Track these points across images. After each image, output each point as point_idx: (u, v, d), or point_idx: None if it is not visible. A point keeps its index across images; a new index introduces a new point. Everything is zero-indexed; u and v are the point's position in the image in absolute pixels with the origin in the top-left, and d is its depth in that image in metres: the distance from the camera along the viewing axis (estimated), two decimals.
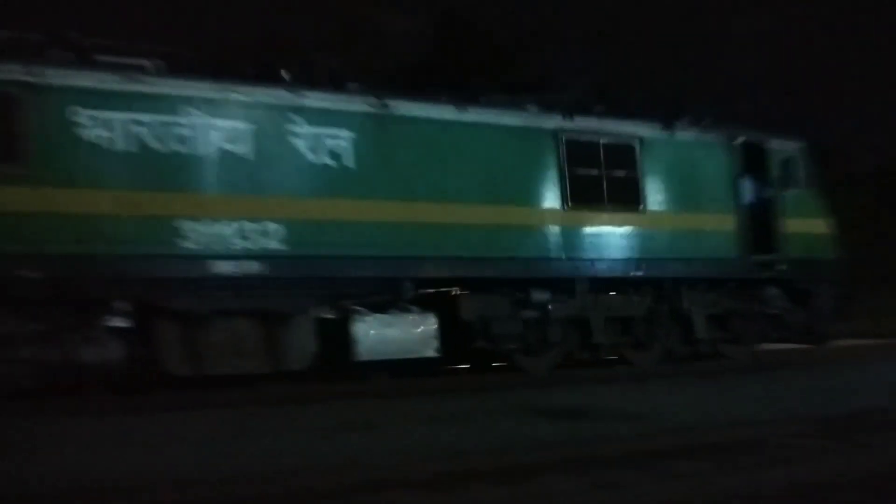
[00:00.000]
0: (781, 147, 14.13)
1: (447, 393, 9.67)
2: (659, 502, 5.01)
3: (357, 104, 10.84)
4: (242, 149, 10.05)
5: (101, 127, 9.35)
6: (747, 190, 13.66)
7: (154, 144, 9.61)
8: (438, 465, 5.81)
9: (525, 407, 8.45)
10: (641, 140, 12.92)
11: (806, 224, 14.09)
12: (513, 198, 11.87)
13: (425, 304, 11.17)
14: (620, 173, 12.68)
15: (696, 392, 10.27)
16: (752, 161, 13.70)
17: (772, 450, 6.51)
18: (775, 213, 13.78)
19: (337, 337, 10.57)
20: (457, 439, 6.97)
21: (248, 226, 9.97)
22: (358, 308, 10.73)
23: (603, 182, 12.52)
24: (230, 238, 9.87)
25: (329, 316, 10.68)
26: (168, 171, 9.70)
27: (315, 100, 10.57)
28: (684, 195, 13.19)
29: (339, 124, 10.64)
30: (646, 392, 10.23)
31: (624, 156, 12.75)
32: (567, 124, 12.39)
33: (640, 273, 12.65)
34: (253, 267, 9.97)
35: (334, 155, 10.56)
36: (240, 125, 10.08)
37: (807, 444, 6.74)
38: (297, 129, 10.39)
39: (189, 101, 9.85)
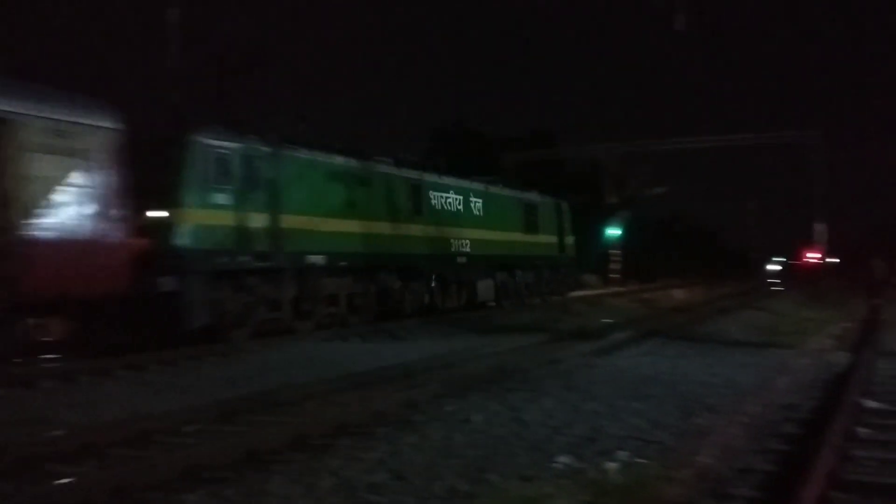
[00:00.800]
0: (564, 204, 28.89)
1: None
2: None
3: (481, 185, 23.28)
4: (459, 207, 21.66)
5: (435, 200, 20.54)
6: (560, 223, 28.43)
7: (445, 206, 20.89)
8: None
9: None
10: (537, 202, 26.70)
11: (569, 239, 28.94)
12: (516, 229, 24.90)
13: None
14: (532, 217, 25.94)
15: (110, 391, 9.75)
16: (559, 211, 28.39)
17: (159, 440, 6.97)
18: (562, 233, 28.30)
19: (469, 290, 22.02)
20: None
21: (464, 241, 21.54)
22: (477, 278, 22.26)
23: (530, 222, 25.76)
24: (459, 247, 21.37)
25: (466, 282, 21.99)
26: (450, 220, 21.04)
27: (476, 184, 22.96)
28: (545, 226, 26.97)
29: (478, 195, 22.79)
30: (53, 394, 9.52)
31: (533, 209, 26.23)
32: (524, 196, 26.01)
33: (538, 262, 26.23)
34: (465, 259, 21.54)
35: (477, 209, 22.60)
36: (458, 196, 21.65)
37: (191, 431, 7.29)
38: (472, 198, 22.42)
39: (452, 187, 21.47)
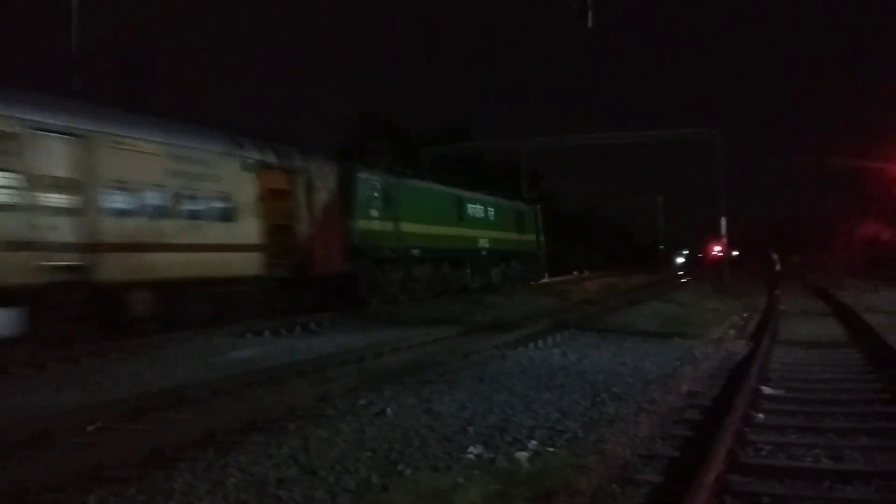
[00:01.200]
0: (539, 210, 37.77)
1: None
2: None
3: (493, 197, 31.32)
4: (482, 215, 29.65)
5: (470, 209, 28.62)
6: (537, 224, 37.46)
7: (474, 214, 28.97)
8: None
9: None
10: (524, 209, 35.63)
11: (542, 237, 37.51)
12: (513, 230, 33.23)
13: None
14: (521, 221, 34.25)
15: (6, 389, 9.38)
16: (535, 215, 36.99)
17: (59, 440, 6.78)
18: (538, 232, 36.91)
19: (487, 276, 29.81)
20: None
21: (486, 239, 29.56)
22: (491, 267, 30.30)
23: (520, 224, 34.20)
24: (482, 243, 29.36)
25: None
26: (477, 224, 29.13)
27: (489, 197, 31.12)
28: (528, 227, 35.51)
29: (492, 205, 30.94)
30: None
31: (521, 214, 34.80)
32: (516, 204, 34.77)
33: (525, 255, 34.75)
34: (486, 252, 29.61)
35: (491, 215, 30.60)
36: (481, 206, 29.72)
37: (93, 430, 7.13)
38: (489, 207, 30.45)
39: (478, 200, 29.78)
